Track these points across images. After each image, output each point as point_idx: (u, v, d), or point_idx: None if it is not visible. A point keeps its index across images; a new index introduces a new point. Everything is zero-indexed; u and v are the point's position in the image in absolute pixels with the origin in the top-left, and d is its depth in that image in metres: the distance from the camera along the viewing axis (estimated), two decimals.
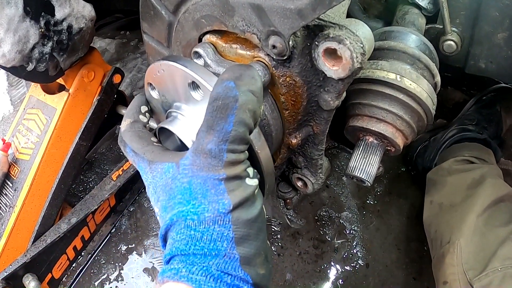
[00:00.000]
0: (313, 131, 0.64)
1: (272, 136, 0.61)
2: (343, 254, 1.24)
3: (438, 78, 0.78)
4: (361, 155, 0.68)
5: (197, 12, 0.59)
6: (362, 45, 0.48)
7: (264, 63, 0.55)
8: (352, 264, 1.23)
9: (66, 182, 1.19)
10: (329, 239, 1.26)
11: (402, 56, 0.74)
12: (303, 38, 0.52)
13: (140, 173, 0.49)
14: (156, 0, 0.66)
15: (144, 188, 0.58)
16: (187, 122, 0.52)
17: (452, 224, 1.02)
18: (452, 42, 0.94)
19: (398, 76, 0.67)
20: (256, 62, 0.55)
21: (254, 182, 0.44)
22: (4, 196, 1.19)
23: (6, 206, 1.18)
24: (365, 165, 0.67)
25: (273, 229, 1.27)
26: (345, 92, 0.59)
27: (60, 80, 1.09)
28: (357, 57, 0.48)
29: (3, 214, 1.17)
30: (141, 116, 0.55)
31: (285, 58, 0.53)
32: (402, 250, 1.27)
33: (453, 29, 0.93)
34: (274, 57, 0.54)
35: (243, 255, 0.41)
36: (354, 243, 1.26)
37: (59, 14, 0.91)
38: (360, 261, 1.23)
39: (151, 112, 0.58)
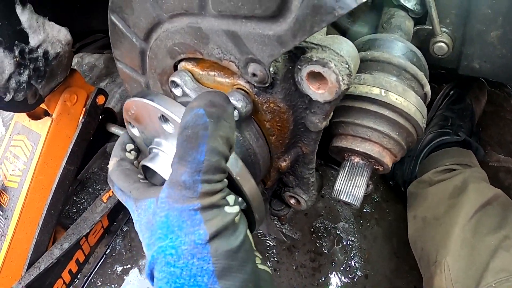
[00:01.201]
0: (302, 152, 0.62)
1: (260, 164, 0.59)
2: (341, 266, 1.22)
3: (427, 88, 0.74)
4: (346, 177, 0.65)
5: (169, 39, 0.57)
6: (347, 66, 0.46)
7: (245, 90, 0.53)
8: (350, 276, 1.20)
9: (56, 208, 1.17)
10: (326, 251, 1.24)
11: (387, 67, 0.70)
12: (284, 62, 0.50)
13: (130, 211, 0.48)
14: (125, 27, 0.63)
15: None
16: (167, 157, 0.51)
17: (437, 240, 0.96)
18: (443, 44, 0.90)
19: (383, 91, 0.63)
20: (236, 90, 0.53)
21: (235, 209, 0.42)
22: None
23: None
24: (351, 187, 0.64)
25: (268, 244, 1.25)
26: (333, 111, 0.57)
27: (43, 105, 1.06)
28: (343, 79, 0.46)
29: None
30: (127, 154, 0.54)
31: (266, 85, 0.50)
32: (401, 258, 1.24)
33: (443, 29, 0.89)
34: (255, 85, 0.51)
35: None
36: (352, 254, 1.23)
37: (33, 41, 0.88)
38: (358, 272, 1.21)
39: (137, 149, 0.57)
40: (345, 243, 1.26)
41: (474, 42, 0.88)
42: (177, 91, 0.58)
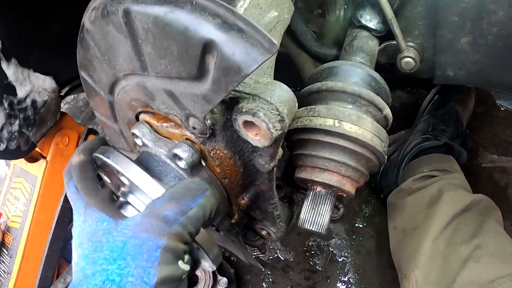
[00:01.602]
0: (261, 189, 0.66)
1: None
2: (336, 282, 1.23)
3: (387, 111, 0.76)
4: (310, 206, 0.68)
5: (126, 95, 0.62)
6: (278, 113, 0.49)
7: (191, 141, 0.57)
8: None
9: (58, 244, 1.22)
10: (320, 268, 1.26)
11: (342, 96, 0.72)
12: (222, 113, 0.53)
13: (73, 212, 0.49)
14: (93, 82, 0.68)
15: None
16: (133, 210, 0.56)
17: (409, 253, 0.95)
18: (409, 59, 0.88)
19: (336, 121, 0.66)
20: (184, 141, 0.57)
21: (186, 267, 0.45)
22: (2, 263, 1.24)
23: (4, 273, 1.22)
24: (316, 216, 0.67)
25: (267, 270, 1.27)
26: (280, 151, 0.60)
27: (38, 149, 1.13)
28: (274, 126, 0.48)
29: (3, 281, 1.21)
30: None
31: (207, 136, 0.54)
32: (396, 270, 1.25)
33: (410, 44, 0.88)
34: (199, 136, 0.55)
35: None
36: (346, 270, 1.25)
37: (21, 92, 0.95)
38: (353, 287, 1.22)
39: None
40: (339, 260, 1.27)
41: (446, 51, 0.87)
42: (138, 141, 0.63)
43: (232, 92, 0.51)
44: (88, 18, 0.53)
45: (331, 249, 1.29)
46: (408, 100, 1.55)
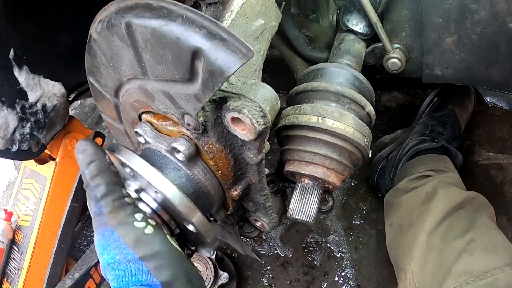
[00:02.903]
0: (252, 181, 0.71)
1: (212, 194, 0.68)
2: (334, 278, 1.28)
3: (369, 108, 0.80)
4: (299, 197, 0.74)
5: (130, 97, 0.68)
6: (261, 109, 0.55)
7: (187, 136, 0.63)
8: (343, 287, 1.26)
9: (66, 242, 1.28)
10: (318, 264, 1.31)
11: (326, 95, 0.77)
12: (212, 111, 0.59)
13: (91, 195, 0.55)
14: (100, 87, 0.74)
15: None
16: None
17: (404, 247, 1.00)
18: (395, 60, 0.92)
19: (320, 118, 0.72)
20: (181, 136, 0.63)
21: (141, 224, 0.53)
22: (13, 260, 1.30)
23: (15, 269, 1.29)
24: (304, 206, 0.73)
25: (263, 261, 1.33)
26: (267, 145, 0.66)
27: (47, 151, 1.19)
28: (257, 121, 0.55)
29: (14, 277, 1.28)
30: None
31: (200, 131, 0.60)
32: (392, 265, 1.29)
33: (396, 45, 0.92)
34: (193, 131, 0.61)
35: (163, 281, 0.50)
36: (343, 265, 1.29)
37: (32, 97, 1.01)
38: (351, 282, 1.27)
39: None
40: (336, 255, 1.32)
41: (432, 51, 0.90)
42: (141, 139, 0.69)
43: (220, 92, 0.57)
44: (95, 30, 0.59)
45: (329, 245, 1.34)
46: (404, 101, 1.59)
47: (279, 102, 0.58)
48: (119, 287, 0.51)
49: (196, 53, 0.48)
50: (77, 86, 1.22)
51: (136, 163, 0.59)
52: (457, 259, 0.89)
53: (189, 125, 0.59)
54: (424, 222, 0.99)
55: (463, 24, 0.82)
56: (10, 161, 1.90)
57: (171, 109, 0.60)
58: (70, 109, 1.51)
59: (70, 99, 1.19)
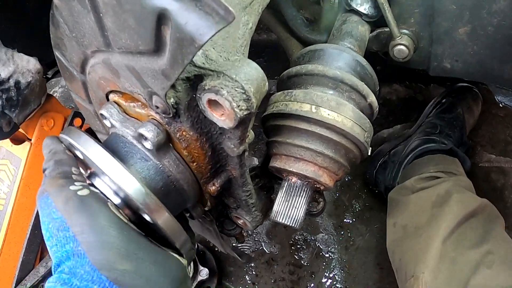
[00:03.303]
0: (232, 175, 0.63)
1: (185, 189, 0.60)
2: (321, 279, 1.21)
3: (371, 98, 0.71)
4: (284, 198, 0.65)
5: (95, 73, 0.60)
6: (243, 91, 0.46)
7: (157, 121, 0.55)
8: None
9: (40, 228, 1.21)
10: (305, 263, 1.24)
11: (322, 80, 0.67)
12: (185, 92, 0.50)
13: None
14: (66, 62, 0.67)
15: None
16: None
17: (416, 252, 0.93)
18: (402, 47, 0.84)
19: (313, 107, 0.62)
20: (149, 120, 0.55)
21: (77, 187, 0.48)
22: None
23: None
24: (289, 209, 0.64)
25: (244, 261, 1.26)
26: (251, 134, 0.57)
27: (23, 131, 1.12)
28: (239, 105, 0.46)
29: None
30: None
31: (171, 116, 0.52)
32: (385, 269, 1.23)
33: (404, 31, 0.84)
34: (163, 116, 0.53)
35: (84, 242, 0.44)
36: (332, 266, 1.23)
37: (3, 73, 0.93)
38: (338, 285, 1.20)
39: None
40: (325, 255, 1.25)
41: (443, 41, 0.83)
42: (107, 122, 0.61)
43: (195, 69, 0.49)
44: None
45: (317, 244, 1.27)
46: (405, 94, 1.51)
47: (266, 83, 0.49)
48: (55, 264, 0.45)
49: (162, 16, 0.39)
50: (55, 63, 1.14)
51: (94, 153, 0.51)
52: (474, 271, 0.84)
53: (157, 107, 0.51)
54: (438, 228, 0.93)
55: (479, 14, 0.75)
56: None
57: (137, 88, 0.52)
58: (56, 88, 1.44)
59: (49, 76, 1.11)
